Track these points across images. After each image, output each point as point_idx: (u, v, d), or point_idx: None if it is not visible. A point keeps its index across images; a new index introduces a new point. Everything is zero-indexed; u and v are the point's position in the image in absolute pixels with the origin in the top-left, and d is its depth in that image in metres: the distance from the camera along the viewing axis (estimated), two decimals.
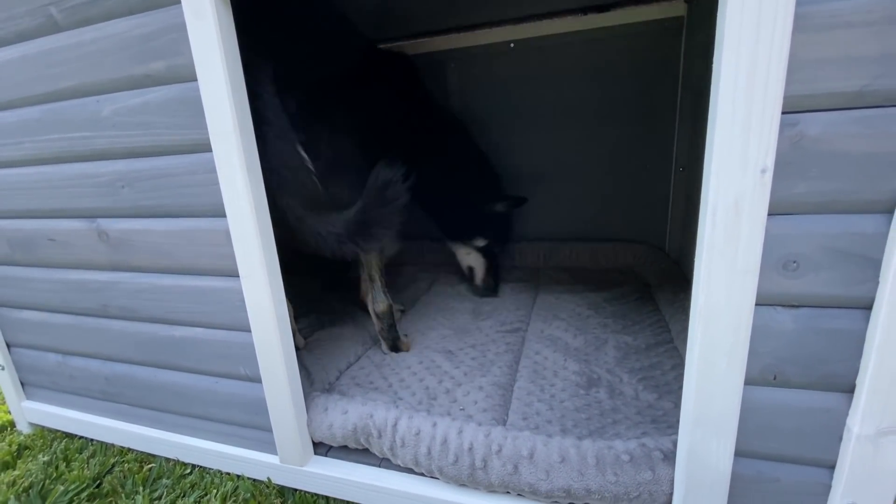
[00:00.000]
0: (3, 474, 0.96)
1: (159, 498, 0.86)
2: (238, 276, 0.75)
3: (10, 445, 1.06)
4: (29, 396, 1.11)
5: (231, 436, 0.90)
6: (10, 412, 1.15)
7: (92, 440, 1.05)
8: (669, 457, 0.66)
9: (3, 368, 1.08)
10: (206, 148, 0.69)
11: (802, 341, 0.52)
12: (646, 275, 1.44)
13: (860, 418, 0.51)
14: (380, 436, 0.78)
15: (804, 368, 0.53)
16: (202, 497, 0.85)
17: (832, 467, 0.55)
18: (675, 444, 0.65)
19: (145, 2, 0.67)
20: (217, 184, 0.70)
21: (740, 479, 0.59)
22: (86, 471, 0.95)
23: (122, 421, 1.00)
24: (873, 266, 0.48)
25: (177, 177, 0.74)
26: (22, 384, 1.11)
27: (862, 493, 0.54)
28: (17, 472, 0.96)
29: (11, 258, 0.97)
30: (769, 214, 0.49)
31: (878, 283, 0.48)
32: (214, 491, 0.86)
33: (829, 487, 0.56)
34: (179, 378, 0.89)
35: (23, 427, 1.13)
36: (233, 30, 0.66)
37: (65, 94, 0.78)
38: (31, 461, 1.00)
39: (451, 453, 0.73)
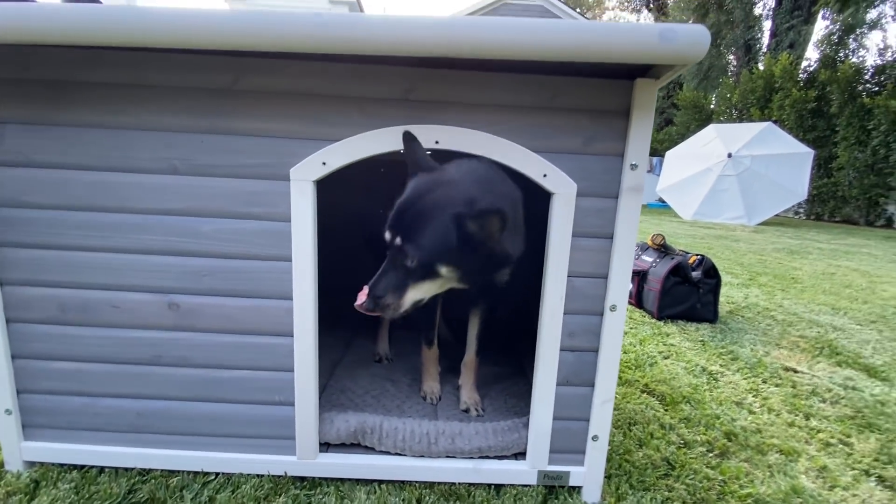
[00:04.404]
0: (33, 502, 1.15)
1: (197, 495, 1.20)
2: (292, 336, 1.20)
3: (17, 479, 1.22)
4: (29, 437, 1.27)
5: (253, 445, 1.28)
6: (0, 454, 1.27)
7: (104, 468, 1.28)
8: (526, 426, 1.33)
9: (9, 413, 1.24)
10: (287, 259, 1.17)
11: (577, 366, 1.26)
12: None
13: (596, 396, 1.26)
14: (371, 432, 1.29)
15: (578, 377, 1.26)
16: (236, 489, 1.22)
17: (588, 420, 1.29)
18: (528, 419, 1.34)
19: (259, 173, 1.14)
20: (290, 280, 1.17)
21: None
22: (115, 489, 1.21)
23: (145, 447, 1.27)
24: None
25: (256, 273, 1.18)
26: (24, 426, 1.27)
27: (598, 428, 1.28)
28: (45, 499, 1.16)
29: (60, 319, 1.21)
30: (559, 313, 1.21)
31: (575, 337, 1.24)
32: (244, 485, 1.24)
33: (587, 429, 1.29)
34: (219, 408, 1.25)
35: (15, 467, 1.27)
36: (315, 194, 1.16)
37: (171, 212, 1.15)
38: (54, 489, 1.20)
39: (416, 437, 1.29)
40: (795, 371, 2.26)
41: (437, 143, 1.12)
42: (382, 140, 1.11)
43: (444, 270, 1.18)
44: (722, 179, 11.40)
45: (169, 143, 1.12)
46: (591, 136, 1.12)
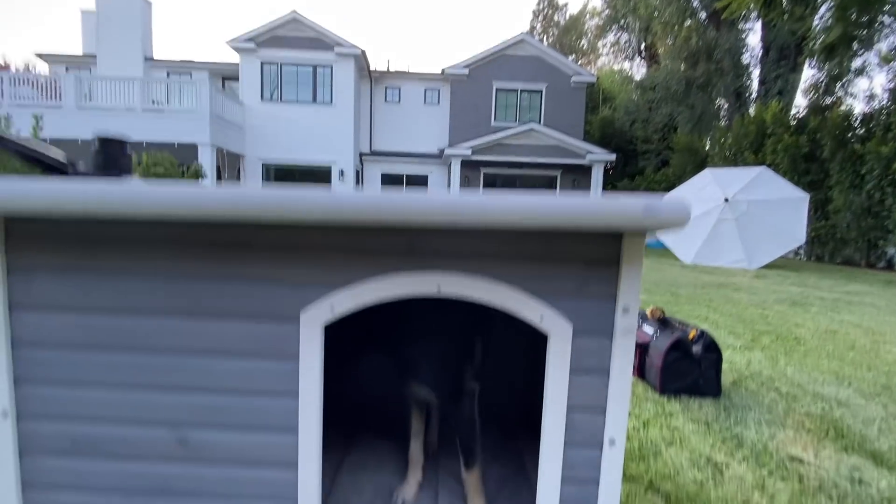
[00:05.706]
0: None
1: None
2: (297, 468, 1.23)
3: None
4: None
5: None
6: None
7: None
8: None
9: None
10: (294, 396, 1.21)
11: (578, 498, 1.27)
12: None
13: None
14: None
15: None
16: None
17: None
18: None
19: (271, 316, 1.20)
20: (297, 416, 1.21)
21: None
22: None
23: None
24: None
25: (265, 410, 1.22)
26: None
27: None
28: None
29: (72, 453, 1.24)
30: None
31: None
32: None
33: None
34: None
35: None
36: (323, 337, 1.22)
37: (186, 353, 1.21)
38: None
39: None
40: (801, 461, 2.24)
41: (439, 288, 1.18)
42: (388, 287, 1.18)
43: None
44: (720, 223, 11.52)
45: (188, 287, 1.19)
46: (585, 281, 1.19)
